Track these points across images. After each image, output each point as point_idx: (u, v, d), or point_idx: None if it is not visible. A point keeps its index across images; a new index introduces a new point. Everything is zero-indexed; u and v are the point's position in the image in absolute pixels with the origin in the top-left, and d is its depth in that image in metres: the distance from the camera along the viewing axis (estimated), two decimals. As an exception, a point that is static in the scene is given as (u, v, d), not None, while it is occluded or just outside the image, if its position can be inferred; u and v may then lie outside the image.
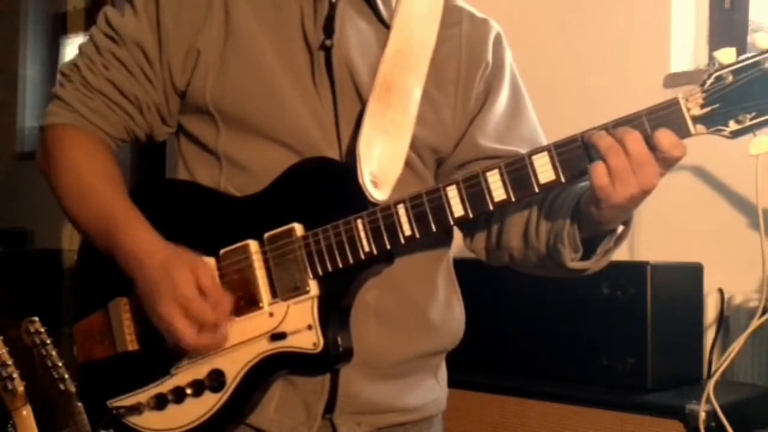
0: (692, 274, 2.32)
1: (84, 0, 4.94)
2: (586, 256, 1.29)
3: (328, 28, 1.35)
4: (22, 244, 4.87)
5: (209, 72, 1.35)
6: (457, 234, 1.48)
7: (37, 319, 2.15)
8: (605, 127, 1.16)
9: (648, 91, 2.54)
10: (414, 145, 1.36)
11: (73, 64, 1.42)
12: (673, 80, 2.63)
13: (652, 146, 1.14)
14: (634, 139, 1.13)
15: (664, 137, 1.13)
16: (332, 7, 1.36)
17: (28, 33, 5.31)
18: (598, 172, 1.15)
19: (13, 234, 4.85)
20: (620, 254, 2.54)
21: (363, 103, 1.34)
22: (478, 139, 1.40)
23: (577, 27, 2.83)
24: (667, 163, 1.15)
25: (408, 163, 1.36)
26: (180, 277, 1.26)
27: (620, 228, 1.27)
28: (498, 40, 1.47)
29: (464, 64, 1.42)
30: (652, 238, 2.59)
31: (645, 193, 1.17)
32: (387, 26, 1.40)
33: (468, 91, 1.42)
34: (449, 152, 1.42)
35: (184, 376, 1.35)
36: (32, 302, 3.82)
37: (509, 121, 1.43)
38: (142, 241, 1.32)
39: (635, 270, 2.14)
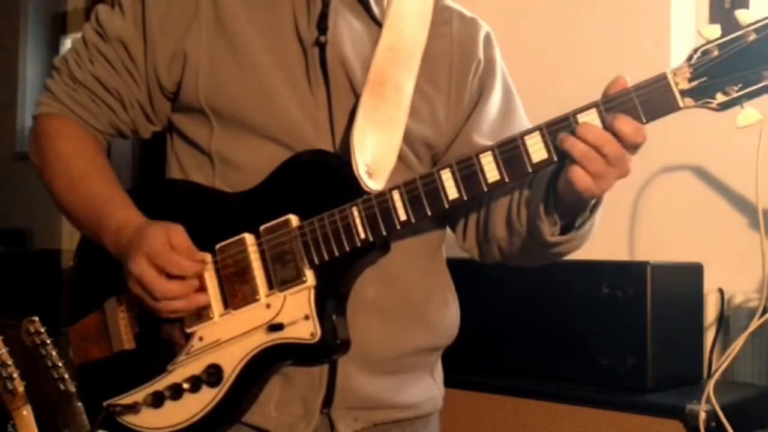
0: (692, 274, 2.32)
1: (84, 0, 4.94)
2: (564, 232, 1.29)
3: (322, 25, 1.36)
4: (22, 244, 4.88)
5: (200, 72, 1.36)
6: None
7: (37, 319, 2.16)
8: (596, 104, 1.18)
9: (648, 91, 2.52)
10: (408, 139, 1.37)
11: (64, 57, 1.46)
12: (673, 80, 2.62)
13: (613, 134, 1.15)
14: (609, 142, 1.15)
15: (624, 125, 1.14)
16: (325, 5, 1.37)
17: (28, 33, 5.32)
18: (580, 177, 1.17)
19: (12, 234, 4.86)
20: (620, 254, 2.58)
21: (357, 98, 1.34)
22: (474, 136, 1.41)
23: (577, 26, 2.83)
24: (635, 149, 1.17)
25: (401, 158, 1.36)
26: (150, 234, 1.28)
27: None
28: (488, 38, 1.49)
29: (456, 61, 1.44)
30: (652, 238, 2.59)
31: (622, 177, 1.19)
32: (379, 24, 1.41)
33: (461, 89, 1.43)
34: (443, 148, 1.43)
35: (181, 372, 1.35)
36: (32, 302, 3.82)
37: (503, 118, 1.45)
38: (122, 218, 1.34)
39: (635, 270, 2.13)
